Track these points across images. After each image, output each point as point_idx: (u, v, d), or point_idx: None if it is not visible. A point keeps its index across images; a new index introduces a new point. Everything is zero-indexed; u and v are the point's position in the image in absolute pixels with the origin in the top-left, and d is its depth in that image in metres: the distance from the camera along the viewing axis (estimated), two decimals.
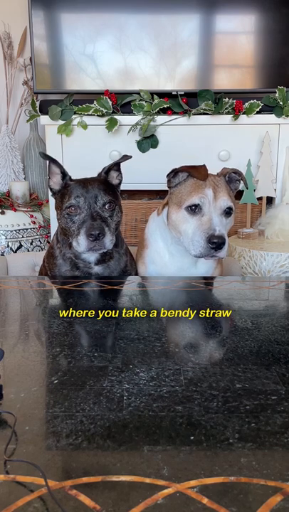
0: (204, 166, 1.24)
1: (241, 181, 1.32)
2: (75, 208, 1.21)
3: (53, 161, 1.29)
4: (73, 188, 1.24)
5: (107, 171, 1.31)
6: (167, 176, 1.28)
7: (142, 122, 2.14)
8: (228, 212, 1.22)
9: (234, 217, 1.28)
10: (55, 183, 1.30)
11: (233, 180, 1.31)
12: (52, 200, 2.22)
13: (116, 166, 1.32)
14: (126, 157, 1.35)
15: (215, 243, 1.15)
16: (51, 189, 1.31)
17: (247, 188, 1.34)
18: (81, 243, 1.18)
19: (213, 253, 1.17)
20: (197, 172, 1.23)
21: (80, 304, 1.03)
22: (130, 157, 1.35)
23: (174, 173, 1.26)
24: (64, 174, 1.28)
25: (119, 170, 1.33)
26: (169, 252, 1.34)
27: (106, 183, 1.27)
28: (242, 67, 2.31)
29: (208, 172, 1.24)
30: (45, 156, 1.32)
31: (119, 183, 1.34)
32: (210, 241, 1.15)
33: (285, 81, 2.22)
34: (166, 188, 1.31)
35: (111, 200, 1.23)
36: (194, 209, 1.20)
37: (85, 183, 1.25)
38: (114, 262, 1.33)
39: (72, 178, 1.29)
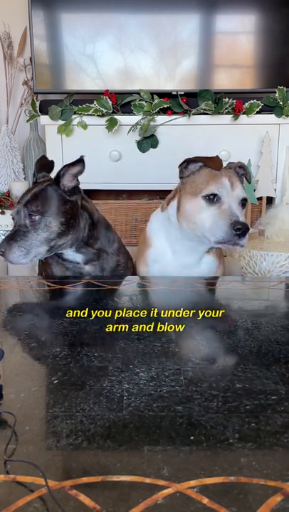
0: (217, 156, 1.25)
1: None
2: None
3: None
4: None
5: (63, 174, 1.20)
6: (179, 166, 1.27)
7: (142, 122, 2.14)
8: (243, 204, 1.23)
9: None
10: None
11: (238, 175, 1.31)
12: None
13: (70, 169, 1.20)
14: (79, 161, 1.21)
15: (240, 229, 1.14)
16: None
17: (249, 183, 1.36)
18: None
19: (236, 240, 1.16)
20: (212, 162, 1.23)
21: (80, 304, 1.03)
22: (83, 157, 1.22)
23: (186, 163, 1.25)
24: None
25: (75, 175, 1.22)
26: (172, 250, 1.32)
27: (39, 192, 1.20)
28: (242, 67, 2.30)
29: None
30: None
31: (75, 187, 1.23)
32: (234, 227, 1.15)
33: (285, 81, 2.22)
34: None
35: (36, 211, 1.16)
36: (213, 198, 1.20)
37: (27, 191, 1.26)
38: (104, 260, 1.32)
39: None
